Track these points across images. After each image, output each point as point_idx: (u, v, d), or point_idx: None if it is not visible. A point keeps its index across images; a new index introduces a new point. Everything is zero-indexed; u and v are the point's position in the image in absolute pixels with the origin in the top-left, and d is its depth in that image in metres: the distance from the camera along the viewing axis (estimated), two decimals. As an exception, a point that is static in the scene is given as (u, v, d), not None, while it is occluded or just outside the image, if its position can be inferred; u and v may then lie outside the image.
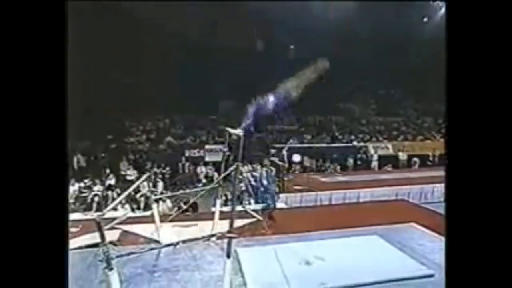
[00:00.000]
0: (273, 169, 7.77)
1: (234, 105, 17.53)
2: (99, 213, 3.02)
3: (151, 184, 9.08)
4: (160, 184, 10.31)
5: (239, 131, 3.57)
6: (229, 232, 3.17)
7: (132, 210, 7.45)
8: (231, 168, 3.58)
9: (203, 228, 6.06)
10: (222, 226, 5.50)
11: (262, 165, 8.45)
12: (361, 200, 9.64)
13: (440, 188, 10.56)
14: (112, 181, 8.86)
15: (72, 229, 5.92)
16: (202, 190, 6.59)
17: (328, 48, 19.56)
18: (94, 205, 7.19)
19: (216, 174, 11.99)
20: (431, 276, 4.04)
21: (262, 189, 6.22)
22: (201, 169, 11.77)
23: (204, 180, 11.56)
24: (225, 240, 5.29)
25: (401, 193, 10.17)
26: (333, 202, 9.33)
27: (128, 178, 9.91)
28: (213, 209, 7.95)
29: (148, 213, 7.39)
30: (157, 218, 5.15)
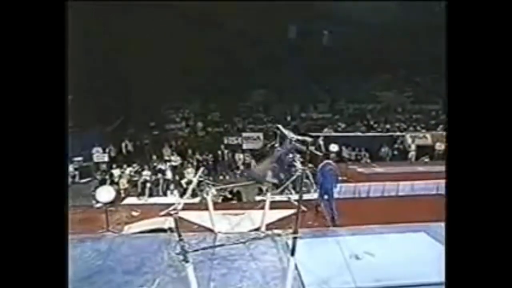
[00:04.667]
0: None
1: (267, 93, 17.68)
2: (174, 210, 3.31)
3: (197, 172, 9.57)
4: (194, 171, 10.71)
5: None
6: (294, 232, 3.39)
7: (181, 196, 7.93)
8: (298, 173, 3.76)
9: (251, 217, 6.39)
10: (271, 216, 5.81)
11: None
12: (400, 193, 9.55)
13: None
14: (162, 166, 9.42)
15: (133, 213, 6.50)
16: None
17: (362, 35, 19.13)
18: (147, 191, 7.74)
19: (253, 162, 12.31)
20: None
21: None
22: (239, 156, 12.12)
23: (242, 167, 11.90)
24: (276, 231, 5.60)
25: (441, 187, 9.94)
26: (371, 194, 9.33)
27: (173, 164, 10.46)
28: (257, 198, 8.30)
29: (195, 200, 7.87)
30: (211, 207, 5.51)
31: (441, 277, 4.02)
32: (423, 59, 19.28)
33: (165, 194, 8.25)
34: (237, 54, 17.05)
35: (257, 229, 5.78)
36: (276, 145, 5.76)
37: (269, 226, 5.77)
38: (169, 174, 9.36)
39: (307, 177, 3.68)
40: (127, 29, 13.46)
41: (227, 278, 4.11)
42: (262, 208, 6.57)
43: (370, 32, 18.94)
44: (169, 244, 4.89)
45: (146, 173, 9.45)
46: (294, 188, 4.93)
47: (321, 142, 10.15)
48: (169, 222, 5.64)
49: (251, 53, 17.53)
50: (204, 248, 4.01)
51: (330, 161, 6.68)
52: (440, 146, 14.56)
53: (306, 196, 8.29)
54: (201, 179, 8.80)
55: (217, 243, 5.15)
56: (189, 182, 8.96)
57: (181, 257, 3.17)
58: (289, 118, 15.27)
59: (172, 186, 8.13)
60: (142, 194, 7.70)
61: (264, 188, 8.54)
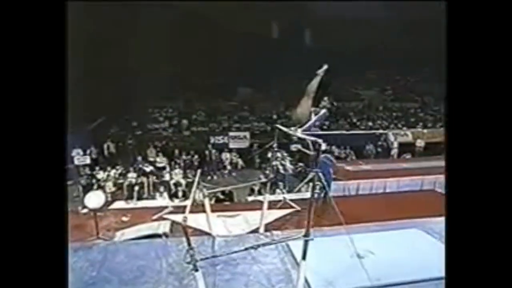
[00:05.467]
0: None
1: (251, 92, 17.59)
2: (184, 218, 3.14)
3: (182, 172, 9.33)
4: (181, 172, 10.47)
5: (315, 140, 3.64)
6: (305, 235, 3.31)
7: (170, 199, 7.69)
8: (310, 176, 3.68)
9: (247, 218, 6.27)
10: (267, 216, 5.71)
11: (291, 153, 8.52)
12: (387, 190, 9.77)
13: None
14: (148, 168, 9.09)
15: (123, 218, 6.19)
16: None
17: (344, 34, 19.53)
18: (135, 194, 7.42)
19: (240, 161, 12.19)
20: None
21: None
22: (226, 156, 11.95)
23: (229, 167, 11.74)
24: (274, 232, 5.52)
25: (426, 183, 10.26)
26: (360, 192, 9.47)
27: (159, 165, 10.13)
28: (249, 198, 8.20)
29: (186, 202, 7.63)
30: (208, 210, 5.33)
31: (442, 272, 4.13)
32: (403, 58, 19.93)
33: (153, 197, 7.96)
34: (220, 53, 16.83)
35: (255, 231, 5.68)
36: (275, 145, 5.68)
37: (266, 227, 5.69)
38: (156, 176, 9.05)
39: (319, 179, 3.60)
40: (109, 27, 12.93)
41: (232, 283, 3.97)
42: (260, 208, 6.49)
43: (352, 31, 19.36)
44: (166, 250, 4.70)
45: (132, 176, 9.10)
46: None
47: (309, 140, 10.13)
48: (164, 227, 5.44)
49: (235, 52, 17.38)
50: (215, 256, 3.85)
51: (328, 155, 6.66)
52: (420, 143, 15.11)
53: (295, 196, 8.33)
54: (190, 179, 8.58)
55: (216, 247, 5.00)
56: (178, 184, 8.73)
57: (191, 266, 2.99)
58: (275, 117, 15.23)
59: (161, 189, 7.84)
60: (130, 197, 7.38)
61: (256, 188, 8.47)
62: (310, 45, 21.05)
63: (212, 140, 12.55)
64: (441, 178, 10.54)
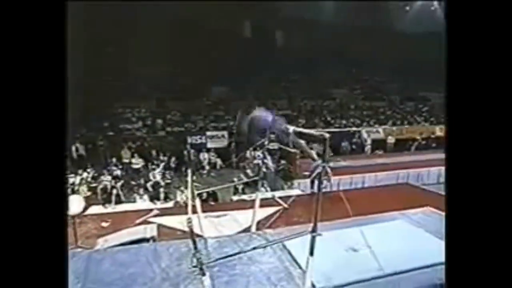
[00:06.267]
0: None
1: (226, 91, 17.37)
2: (189, 220, 2.94)
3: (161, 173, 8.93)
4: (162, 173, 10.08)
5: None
6: (313, 231, 3.25)
7: (152, 201, 7.30)
8: (318, 170, 3.61)
9: (235, 217, 6.12)
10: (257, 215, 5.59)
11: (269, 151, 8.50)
12: (366, 184, 10.07)
13: (435, 170, 11.30)
14: (121, 170, 8.55)
15: (102, 224, 5.76)
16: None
17: (315, 35, 20.05)
18: (113, 198, 6.95)
19: (218, 161, 11.95)
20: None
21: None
22: (204, 156, 11.66)
23: (207, 167, 11.46)
24: (267, 231, 5.42)
25: (401, 177, 10.74)
26: (341, 188, 9.64)
27: (135, 166, 9.60)
28: (234, 197, 8.01)
29: (169, 204, 7.30)
30: (199, 211, 5.11)
31: (435, 259, 4.25)
32: (371, 58, 20.83)
33: (133, 200, 7.50)
34: (193, 53, 16.44)
35: (246, 229, 5.54)
36: (266, 143, 5.58)
37: (257, 226, 5.58)
38: (133, 178, 8.56)
39: (326, 173, 3.55)
40: (81, 25, 12.06)
41: (233, 285, 3.80)
42: (246, 208, 6.33)
43: (322, 31, 19.87)
44: (157, 255, 4.41)
45: (106, 178, 8.54)
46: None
47: (290, 138, 10.18)
48: (151, 231, 5.12)
49: (207, 51, 17.09)
50: (224, 257, 3.64)
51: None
52: (391, 140, 15.81)
53: (280, 194, 8.28)
54: (169, 181, 8.22)
55: (210, 248, 4.79)
56: (157, 185, 8.34)
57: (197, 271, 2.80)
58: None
59: (141, 191, 7.42)
60: (108, 201, 6.89)
61: (239, 187, 8.31)
62: (281, 45, 21.36)
63: (189, 140, 12.18)
64: (413, 171, 11.14)
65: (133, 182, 8.70)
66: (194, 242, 2.89)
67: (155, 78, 15.24)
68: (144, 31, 14.71)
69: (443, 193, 8.19)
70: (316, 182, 3.79)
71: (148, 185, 8.47)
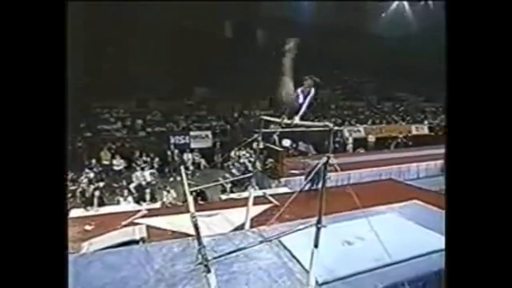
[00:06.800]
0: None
1: (208, 92, 17.11)
2: (193, 214, 2.79)
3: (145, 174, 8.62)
4: (147, 173, 9.76)
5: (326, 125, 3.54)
6: (318, 222, 3.19)
7: (137, 202, 6.98)
8: (322, 161, 3.56)
9: (226, 216, 5.98)
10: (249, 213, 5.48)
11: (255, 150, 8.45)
12: (351, 181, 10.20)
13: (414, 167, 11.72)
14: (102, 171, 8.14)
15: (86, 227, 5.43)
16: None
17: (297, 35, 20.17)
18: (95, 200, 6.57)
19: (203, 161, 11.69)
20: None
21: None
22: (188, 156, 11.37)
23: (191, 167, 11.20)
24: (261, 228, 5.32)
25: (384, 173, 11.01)
26: (328, 184, 9.70)
27: (116, 168, 9.17)
28: (223, 197, 7.84)
29: (156, 205, 7.02)
30: (193, 209, 4.91)
31: (429, 248, 4.31)
32: (350, 58, 21.30)
33: (116, 202, 7.16)
34: (174, 53, 16.08)
35: (239, 228, 5.42)
36: (259, 138, 5.50)
37: (251, 223, 5.47)
38: (114, 180, 8.18)
39: (325, 169, 3.53)
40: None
41: (233, 283, 3.68)
42: (235, 206, 6.21)
43: (304, 32, 20.02)
44: (149, 256, 4.20)
45: (85, 181, 8.11)
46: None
47: (276, 137, 10.16)
48: (140, 232, 4.87)
49: (187, 51, 16.78)
50: (229, 253, 3.49)
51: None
52: (371, 138, 16.21)
53: (269, 192, 8.20)
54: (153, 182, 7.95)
55: (206, 247, 4.62)
56: (141, 186, 8.03)
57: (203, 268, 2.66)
58: (236, 115, 14.98)
59: (125, 192, 7.08)
60: (89, 204, 6.51)
61: (227, 186, 8.16)
62: (262, 44, 21.38)
63: (172, 140, 11.84)
64: (395, 168, 11.45)
65: (115, 184, 8.30)
66: (199, 238, 2.74)
67: (136, 78, 14.76)
68: (128, 33, 14.30)
69: (426, 187, 8.47)
70: (315, 177, 3.72)
71: (132, 186, 8.12)
